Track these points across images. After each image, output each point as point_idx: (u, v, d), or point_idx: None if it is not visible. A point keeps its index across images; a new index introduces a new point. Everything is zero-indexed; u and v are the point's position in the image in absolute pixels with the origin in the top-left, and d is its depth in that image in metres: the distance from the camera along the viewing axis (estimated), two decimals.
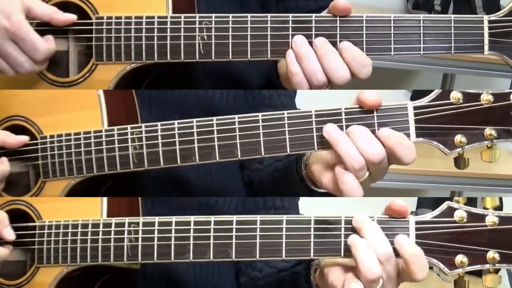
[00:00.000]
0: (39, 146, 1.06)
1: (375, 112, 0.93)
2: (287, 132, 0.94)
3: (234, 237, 0.95)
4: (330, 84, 0.99)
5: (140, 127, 1.00)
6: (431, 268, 0.91)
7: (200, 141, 0.97)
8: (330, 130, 0.93)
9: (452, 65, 2.44)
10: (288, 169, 1.07)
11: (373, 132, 0.93)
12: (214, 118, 0.97)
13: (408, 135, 0.92)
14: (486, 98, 0.91)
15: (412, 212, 2.60)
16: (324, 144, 0.94)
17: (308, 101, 1.15)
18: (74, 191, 1.05)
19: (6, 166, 1.06)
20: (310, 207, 1.22)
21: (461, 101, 0.91)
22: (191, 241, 0.96)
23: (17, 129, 1.08)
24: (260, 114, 0.95)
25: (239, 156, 0.96)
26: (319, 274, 0.99)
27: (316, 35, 0.99)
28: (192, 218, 0.97)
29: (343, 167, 0.92)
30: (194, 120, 0.97)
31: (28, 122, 1.08)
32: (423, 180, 2.52)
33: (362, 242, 0.90)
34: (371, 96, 0.92)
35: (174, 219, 0.97)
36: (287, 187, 1.09)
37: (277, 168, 1.13)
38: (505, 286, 2.57)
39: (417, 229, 0.91)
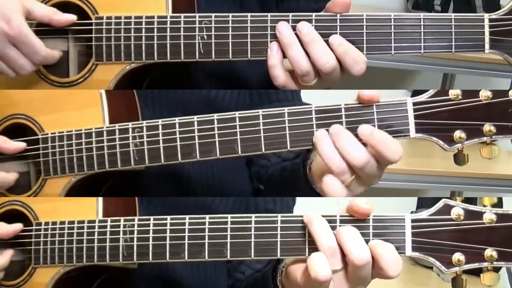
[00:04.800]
0: (40, 144, 1.06)
1: (374, 108, 0.93)
2: (287, 128, 0.94)
3: (229, 236, 0.95)
4: (319, 75, 0.99)
5: (141, 124, 1.00)
6: (431, 268, 0.91)
7: (201, 138, 0.97)
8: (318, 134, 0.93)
9: (452, 65, 2.43)
10: (294, 171, 1.07)
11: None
12: (215, 114, 0.97)
13: (407, 131, 0.92)
14: (485, 94, 0.91)
15: (412, 212, 2.60)
16: None
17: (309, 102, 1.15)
18: (75, 190, 1.05)
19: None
20: (306, 207, 1.22)
21: (460, 97, 0.91)
22: (186, 241, 0.96)
23: (18, 128, 1.08)
24: (260, 110, 0.95)
25: (240, 153, 0.96)
26: (285, 274, 0.98)
27: None
28: (187, 218, 0.97)
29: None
30: (195, 117, 0.97)
31: (30, 121, 1.08)
32: (423, 180, 2.51)
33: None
34: (369, 91, 0.92)
35: (169, 218, 0.97)
36: (294, 186, 1.08)
37: (285, 168, 1.13)
38: (505, 286, 2.57)
39: (413, 227, 0.90)
